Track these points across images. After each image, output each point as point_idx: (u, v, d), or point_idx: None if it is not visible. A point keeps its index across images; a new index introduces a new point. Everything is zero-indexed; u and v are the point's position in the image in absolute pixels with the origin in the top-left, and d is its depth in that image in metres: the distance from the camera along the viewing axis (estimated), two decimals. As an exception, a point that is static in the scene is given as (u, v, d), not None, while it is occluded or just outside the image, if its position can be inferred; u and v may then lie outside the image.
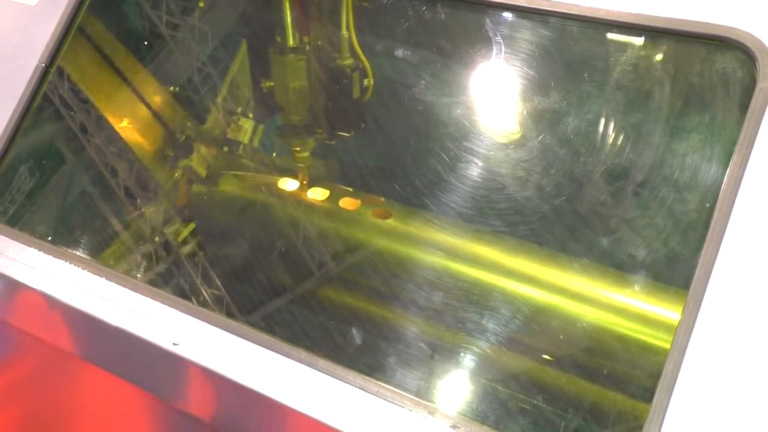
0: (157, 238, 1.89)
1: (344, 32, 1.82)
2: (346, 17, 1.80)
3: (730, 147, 1.10)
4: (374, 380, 1.17)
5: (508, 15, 1.46)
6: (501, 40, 1.50)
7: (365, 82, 1.86)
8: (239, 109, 2.06)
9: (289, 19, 1.86)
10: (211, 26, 2.02)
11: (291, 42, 1.88)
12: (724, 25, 1.15)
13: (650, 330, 1.50)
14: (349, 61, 1.84)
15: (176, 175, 2.07)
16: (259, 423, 1.25)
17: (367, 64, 1.84)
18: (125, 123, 1.97)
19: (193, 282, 1.81)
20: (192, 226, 1.99)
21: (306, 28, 1.88)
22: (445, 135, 1.69)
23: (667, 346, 1.04)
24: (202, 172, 2.02)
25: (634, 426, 1.32)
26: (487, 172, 1.63)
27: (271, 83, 1.94)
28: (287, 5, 1.86)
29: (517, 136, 1.61)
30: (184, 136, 2.06)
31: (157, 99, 2.03)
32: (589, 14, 1.26)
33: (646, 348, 1.51)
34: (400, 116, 1.84)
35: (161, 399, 1.40)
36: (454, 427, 1.10)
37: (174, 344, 1.28)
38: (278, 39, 1.88)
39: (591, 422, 1.45)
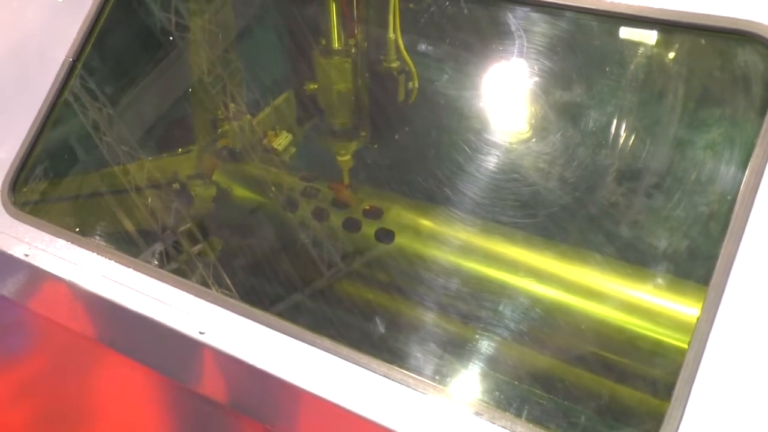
0: (183, 231, 1.91)
1: (391, 35, 1.80)
2: (393, 20, 1.78)
3: (751, 140, 1.11)
4: (398, 368, 1.19)
5: (532, 12, 1.47)
6: (523, 35, 1.51)
7: (410, 84, 1.84)
8: (274, 112, 2.05)
9: (334, 21, 1.84)
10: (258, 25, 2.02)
11: (336, 44, 1.86)
12: (745, 19, 1.16)
13: (671, 323, 1.51)
14: (395, 64, 1.83)
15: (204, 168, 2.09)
16: (284, 410, 1.27)
17: (412, 66, 1.83)
18: (152, 118, 1.99)
19: (219, 273, 1.83)
20: (216, 221, 2.01)
21: (352, 30, 1.85)
22: (500, 134, 1.69)
23: (687, 338, 1.04)
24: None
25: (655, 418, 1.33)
26: (535, 171, 1.63)
27: (315, 85, 1.92)
28: (333, 7, 1.83)
29: (554, 131, 1.61)
30: (215, 133, 2.07)
31: (186, 94, 2.05)
32: (609, 9, 1.27)
33: (666, 341, 1.52)
34: (450, 119, 1.82)
35: (186, 385, 1.42)
36: (477, 414, 1.12)
37: (200, 333, 1.31)
38: (323, 41, 1.86)
39: (613, 412, 1.46)
